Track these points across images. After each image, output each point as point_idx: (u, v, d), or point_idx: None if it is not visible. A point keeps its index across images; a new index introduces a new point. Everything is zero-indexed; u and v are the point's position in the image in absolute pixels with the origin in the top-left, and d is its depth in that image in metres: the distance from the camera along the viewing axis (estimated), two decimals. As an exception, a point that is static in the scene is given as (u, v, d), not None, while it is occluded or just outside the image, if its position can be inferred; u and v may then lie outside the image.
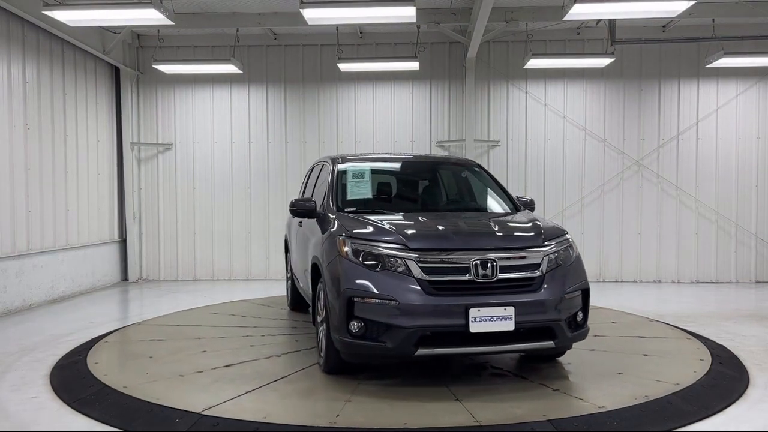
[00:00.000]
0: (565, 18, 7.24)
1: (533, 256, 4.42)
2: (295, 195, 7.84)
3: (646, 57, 10.16)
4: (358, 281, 4.25)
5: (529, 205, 5.73)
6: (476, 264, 4.24)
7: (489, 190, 5.90)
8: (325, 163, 6.16)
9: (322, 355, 4.78)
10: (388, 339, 4.13)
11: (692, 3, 6.93)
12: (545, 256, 4.45)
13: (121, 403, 4.21)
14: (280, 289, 8.56)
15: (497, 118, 10.32)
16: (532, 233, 4.64)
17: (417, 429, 3.72)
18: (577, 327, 4.55)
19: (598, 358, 5.30)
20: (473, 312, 4.10)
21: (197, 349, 5.51)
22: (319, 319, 4.93)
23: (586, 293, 4.62)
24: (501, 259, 4.31)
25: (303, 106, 10.49)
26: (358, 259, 4.34)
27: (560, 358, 5.13)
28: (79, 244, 9.24)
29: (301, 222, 6.05)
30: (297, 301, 7.16)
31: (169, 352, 5.41)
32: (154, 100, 10.61)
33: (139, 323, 6.82)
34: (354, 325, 4.21)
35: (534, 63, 9.40)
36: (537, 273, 4.38)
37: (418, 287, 4.16)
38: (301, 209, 5.37)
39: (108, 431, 3.81)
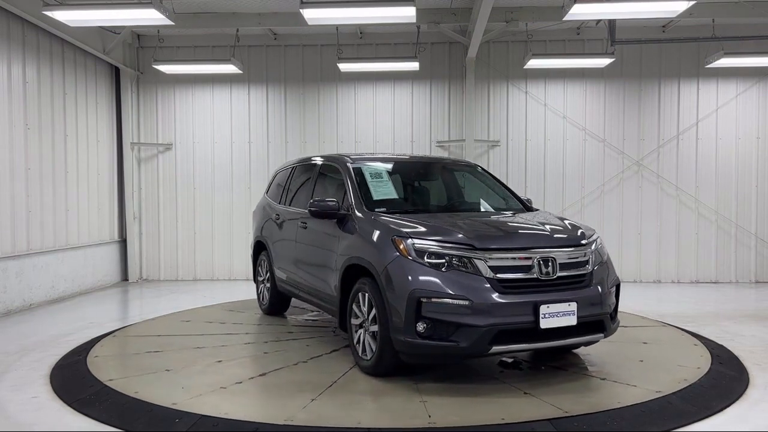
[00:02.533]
0: (565, 18, 7.24)
1: (584, 254, 4.63)
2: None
3: (646, 57, 10.16)
4: (425, 281, 4.23)
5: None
6: (539, 262, 4.36)
7: (499, 190, 6.10)
8: (327, 162, 6.11)
9: (366, 357, 4.71)
10: (461, 338, 4.14)
11: (692, 3, 6.94)
12: (591, 253, 4.68)
13: (121, 403, 4.20)
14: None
15: (497, 118, 10.32)
16: (578, 232, 4.83)
17: (518, 422, 3.79)
18: (613, 320, 4.76)
19: (609, 349, 5.41)
20: (543, 309, 4.21)
21: (210, 358, 5.24)
22: (356, 321, 4.86)
23: (617, 288, 4.90)
24: (560, 256, 4.47)
25: (303, 106, 10.49)
26: (423, 258, 4.32)
27: (575, 350, 5.33)
28: (79, 244, 9.24)
29: (305, 222, 5.94)
30: (276, 305, 7.01)
31: (184, 363, 5.09)
32: (154, 100, 10.61)
33: (113, 335, 6.23)
34: (421, 326, 4.20)
35: (534, 63, 9.40)
36: (588, 269, 4.59)
37: (489, 286, 4.21)
38: (323, 209, 5.25)
39: (108, 431, 3.81)
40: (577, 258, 4.58)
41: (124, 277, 10.58)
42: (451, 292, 4.17)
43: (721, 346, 5.75)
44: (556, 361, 5.13)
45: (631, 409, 4.03)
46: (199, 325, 6.67)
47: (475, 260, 4.27)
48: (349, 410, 4.02)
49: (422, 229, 4.58)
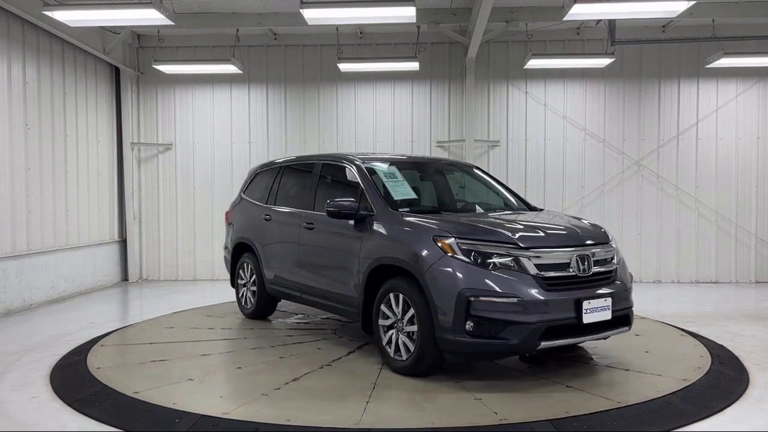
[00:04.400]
0: (565, 18, 7.24)
1: (610, 251, 4.85)
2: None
3: (646, 57, 10.16)
4: (474, 280, 4.27)
5: None
6: (577, 259, 4.51)
7: (505, 191, 6.21)
8: (331, 162, 6.02)
9: (401, 357, 4.68)
10: (511, 335, 4.21)
11: (692, 3, 6.94)
12: (614, 250, 4.91)
13: (121, 403, 4.20)
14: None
15: (497, 118, 10.32)
16: (601, 230, 5.03)
17: (581, 416, 3.88)
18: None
19: (613, 344, 5.49)
20: (585, 304, 4.37)
21: (228, 366, 5.11)
22: (385, 322, 4.82)
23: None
24: (593, 253, 4.65)
25: (303, 106, 10.49)
26: (470, 258, 4.35)
27: (581, 344, 5.44)
28: (79, 244, 9.24)
29: (311, 224, 5.81)
30: (263, 309, 6.80)
31: (203, 372, 4.89)
32: (154, 100, 10.61)
33: (101, 344, 5.80)
34: (470, 325, 4.24)
35: (534, 63, 9.40)
36: (614, 265, 4.81)
37: (536, 284, 4.30)
38: (342, 210, 5.16)
39: (108, 431, 3.81)
40: (606, 255, 4.76)
41: (124, 277, 10.58)
42: (500, 290, 4.23)
43: (721, 346, 5.75)
44: (566, 354, 5.25)
45: (631, 409, 4.03)
46: (187, 331, 6.37)
47: (522, 258, 4.34)
48: (411, 411, 4.02)
49: (464, 228, 4.62)
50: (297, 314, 7.18)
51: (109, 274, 10.12)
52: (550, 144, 10.29)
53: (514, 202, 6.01)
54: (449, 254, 4.39)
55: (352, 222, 5.23)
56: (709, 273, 10.19)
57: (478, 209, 5.88)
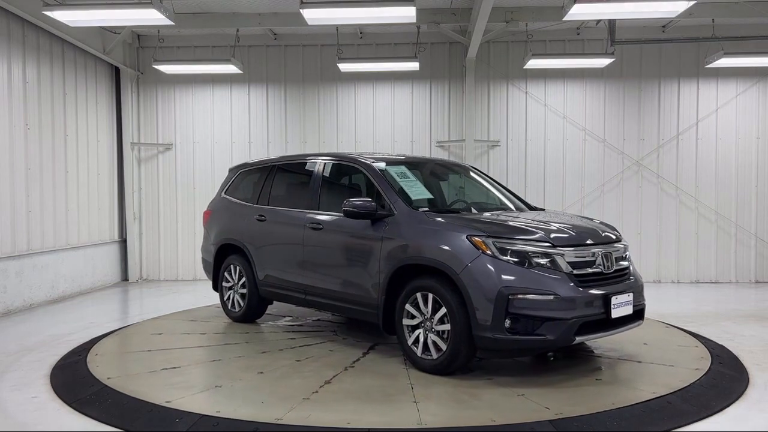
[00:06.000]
0: (565, 18, 7.25)
1: (624, 248, 5.05)
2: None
3: (646, 57, 10.16)
4: (513, 279, 4.35)
5: None
6: (602, 256, 4.69)
7: (503, 191, 6.28)
8: (337, 162, 5.93)
9: (431, 356, 4.68)
10: (548, 331, 4.30)
11: (692, 3, 6.94)
12: (626, 247, 5.10)
13: (121, 403, 4.20)
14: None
15: (497, 118, 10.32)
16: (613, 228, 5.21)
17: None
18: None
19: (613, 340, 5.54)
20: (613, 300, 4.52)
21: (248, 371, 4.89)
22: (411, 322, 4.81)
23: None
24: (614, 251, 4.83)
25: (303, 106, 10.49)
26: (506, 256, 4.43)
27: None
28: (79, 244, 9.24)
29: (318, 224, 5.67)
30: (254, 311, 6.61)
31: (227, 378, 4.73)
32: (154, 100, 10.62)
33: (95, 353, 5.46)
34: (508, 322, 4.31)
35: (534, 63, 9.40)
36: (628, 262, 5.01)
37: (570, 281, 4.42)
38: (361, 210, 5.08)
39: (108, 431, 3.81)
40: (621, 252, 4.96)
41: (124, 277, 10.58)
42: (537, 287, 4.33)
43: (721, 346, 5.75)
44: (564, 350, 5.32)
45: (631, 409, 4.03)
46: (181, 336, 6.13)
47: (555, 256, 4.46)
48: (464, 409, 4.02)
49: (498, 227, 4.70)
50: (285, 317, 7.03)
51: (109, 274, 10.12)
52: (550, 144, 10.29)
53: (512, 203, 6.02)
54: (486, 253, 4.45)
55: (369, 222, 5.16)
56: (709, 273, 10.19)
57: (479, 209, 5.87)
